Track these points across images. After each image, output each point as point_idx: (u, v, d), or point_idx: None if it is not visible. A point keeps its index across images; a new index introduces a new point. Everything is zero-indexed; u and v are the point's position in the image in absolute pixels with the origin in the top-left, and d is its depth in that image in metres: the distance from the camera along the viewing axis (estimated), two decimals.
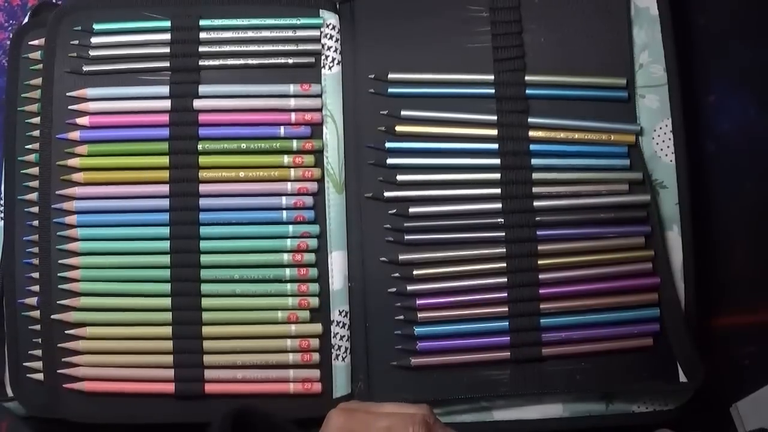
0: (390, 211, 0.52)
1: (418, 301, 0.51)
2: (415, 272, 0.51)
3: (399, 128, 0.53)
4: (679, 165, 0.51)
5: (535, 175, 0.51)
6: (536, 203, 0.51)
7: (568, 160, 0.52)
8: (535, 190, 0.51)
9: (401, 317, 0.51)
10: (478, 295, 0.51)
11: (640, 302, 0.51)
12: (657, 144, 0.52)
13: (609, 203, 0.51)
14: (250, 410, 0.42)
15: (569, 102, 0.52)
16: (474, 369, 0.51)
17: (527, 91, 0.52)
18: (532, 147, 0.52)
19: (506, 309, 0.51)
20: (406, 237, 0.52)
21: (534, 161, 0.51)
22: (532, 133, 0.52)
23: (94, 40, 0.53)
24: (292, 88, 0.53)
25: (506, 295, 0.51)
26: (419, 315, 0.51)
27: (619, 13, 0.52)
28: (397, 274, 0.52)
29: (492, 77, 0.52)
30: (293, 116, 0.53)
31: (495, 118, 0.52)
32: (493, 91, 0.52)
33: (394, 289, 0.52)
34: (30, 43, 0.54)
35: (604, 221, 0.51)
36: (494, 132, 0.52)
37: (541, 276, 0.51)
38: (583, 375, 0.50)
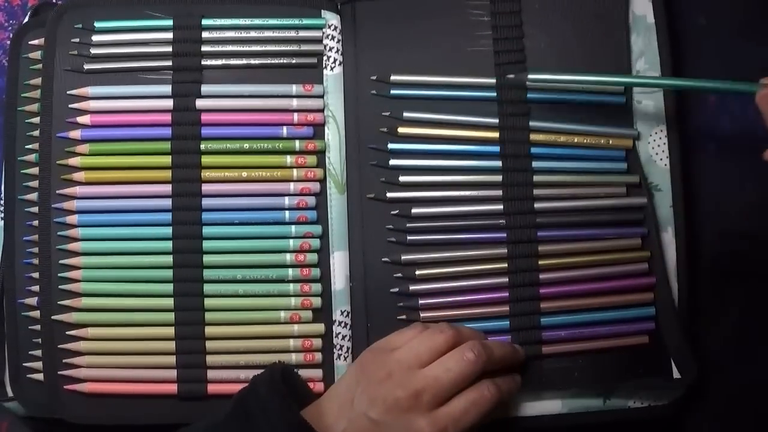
0: (392, 212, 0.53)
1: (420, 301, 0.52)
2: (417, 272, 0.52)
3: (401, 129, 0.53)
4: (673, 169, 0.53)
5: (536, 178, 0.52)
6: (537, 205, 0.52)
7: (568, 163, 0.53)
8: (536, 192, 0.52)
9: (403, 317, 0.52)
10: (480, 294, 0.52)
11: (636, 301, 0.52)
12: (652, 148, 0.53)
13: (607, 205, 0.52)
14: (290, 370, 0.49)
15: (569, 106, 0.53)
16: None
17: (528, 95, 0.53)
18: (533, 150, 0.53)
19: (507, 308, 0.52)
20: (408, 238, 0.52)
21: (535, 164, 0.52)
22: (533, 136, 0.53)
23: (96, 38, 0.53)
24: (294, 89, 0.54)
25: (507, 294, 0.52)
26: (421, 315, 0.52)
27: (618, 20, 0.53)
28: (399, 274, 0.52)
29: (494, 80, 0.53)
30: (296, 117, 0.53)
31: (497, 121, 0.53)
32: (494, 94, 0.53)
33: (396, 289, 0.52)
34: (30, 42, 0.53)
35: (602, 223, 0.52)
36: (496, 135, 0.53)
37: (542, 276, 0.52)
38: (581, 372, 0.52)
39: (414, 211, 0.52)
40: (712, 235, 0.53)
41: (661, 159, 0.53)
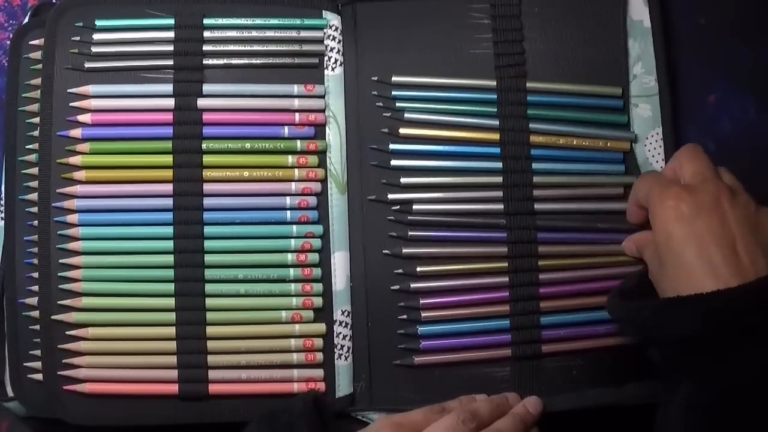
0: (393, 208, 0.53)
1: (421, 300, 0.52)
2: (418, 269, 0.52)
3: (402, 130, 0.54)
4: None
5: (536, 179, 0.53)
6: (537, 206, 0.53)
7: (567, 165, 0.53)
8: (535, 193, 0.53)
9: (404, 317, 0.52)
10: (481, 294, 0.52)
11: None
12: (649, 151, 0.54)
13: (606, 209, 0.53)
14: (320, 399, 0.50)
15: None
16: (475, 367, 0.52)
17: (528, 98, 0.54)
18: (533, 152, 0.53)
19: (507, 308, 0.52)
20: (409, 233, 0.52)
21: (534, 165, 0.53)
22: (532, 138, 0.53)
23: (97, 36, 0.53)
24: (296, 89, 0.54)
25: (507, 294, 0.52)
26: (423, 314, 0.52)
27: (616, 25, 0.54)
28: (399, 270, 0.52)
29: (494, 83, 0.54)
30: (297, 117, 0.54)
31: (497, 122, 0.53)
32: (495, 96, 0.54)
33: (397, 287, 0.52)
34: (30, 42, 0.53)
35: (600, 228, 0.53)
36: (496, 136, 0.53)
37: (542, 276, 0.52)
38: (579, 371, 0.52)
39: (415, 207, 0.53)
40: None
41: (657, 161, 0.54)
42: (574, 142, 0.53)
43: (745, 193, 0.44)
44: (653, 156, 0.54)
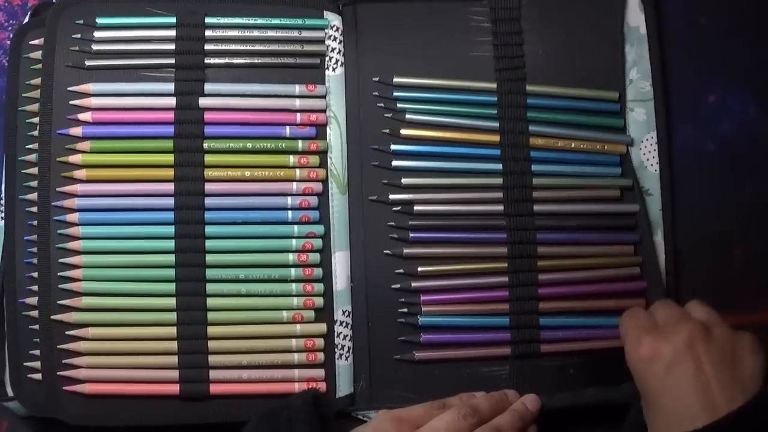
0: (395, 209, 0.53)
1: (422, 297, 0.53)
2: (419, 269, 0.53)
3: (404, 131, 0.54)
4: (662, 175, 0.55)
5: (535, 180, 0.54)
6: (536, 207, 0.54)
7: (566, 167, 0.54)
8: (535, 194, 0.54)
9: (405, 310, 0.53)
10: (481, 293, 0.53)
11: (628, 306, 0.53)
12: (644, 154, 0.55)
13: (602, 211, 0.54)
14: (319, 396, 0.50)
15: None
16: (474, 365, 0.53)
17: (527, 100, 0.54)
18: (532, 154, 0.54)
19: (507, 307, 0.53)
20: (411, 235, 0.53)
21: (534, 167, 0.54)
22: (532, 140, 0.54)
23: (97, 34, 0.52)
24: (297, 89, 0.54)
25: (507, 294, 0.53)
26: (423, 308, 0.53)
27: (613, 30, 0.55)
28: (400, 270, 0.53)
29: (494, 85, 0.54)
30: (298, 117, 0.54)
31: (497, 124, 0.54)
32: (495, 98, 0.54)
33: (398, 285, 0.53)
34: (30, 42, 0.52)
35: (597, 227, 0.54)
36: (496, 138, 0.54)
37: (541, 276, 0.53)
38: (576, 370, 0.53)
39: (417, 208, 0.53)
40: (713, 234, 0.55)
41: (651, 165, 0.55)
42: (572, 145, 0.54)
43: (721, 324, 0.45)
44: (648, 159, 0.55)
